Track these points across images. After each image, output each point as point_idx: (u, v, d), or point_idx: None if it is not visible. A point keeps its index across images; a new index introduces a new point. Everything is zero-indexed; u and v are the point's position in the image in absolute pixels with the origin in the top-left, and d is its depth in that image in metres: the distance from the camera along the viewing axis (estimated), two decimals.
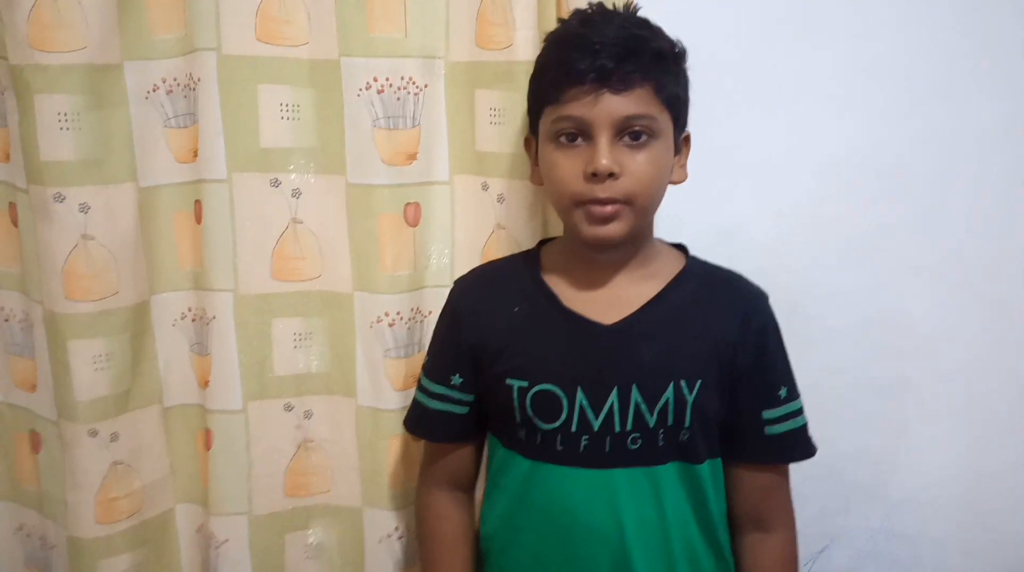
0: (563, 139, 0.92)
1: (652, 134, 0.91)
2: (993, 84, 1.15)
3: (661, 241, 1.03)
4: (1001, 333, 1.20)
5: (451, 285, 1.17)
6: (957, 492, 1.24)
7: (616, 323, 0.95)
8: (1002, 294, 1.19)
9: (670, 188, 1.00)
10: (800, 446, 0.98)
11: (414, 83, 1.13)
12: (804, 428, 0.99)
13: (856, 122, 1.17)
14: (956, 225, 1.19)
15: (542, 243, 1.07)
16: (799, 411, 0.98)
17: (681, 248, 1.03)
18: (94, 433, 1.15)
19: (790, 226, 1.20)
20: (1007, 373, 1.21)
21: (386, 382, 1.19)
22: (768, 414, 0.96)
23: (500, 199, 1.15)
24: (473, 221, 1.18)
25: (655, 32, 0.95)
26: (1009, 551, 1.24)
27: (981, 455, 1.23)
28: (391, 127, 1.13)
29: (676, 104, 0.95)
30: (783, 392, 0.97)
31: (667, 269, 0.99)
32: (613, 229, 0.92)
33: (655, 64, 0.92)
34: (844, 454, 1.20)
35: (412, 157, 1.14)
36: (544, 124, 0.95)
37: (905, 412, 1.23)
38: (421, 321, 1.19)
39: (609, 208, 0.90)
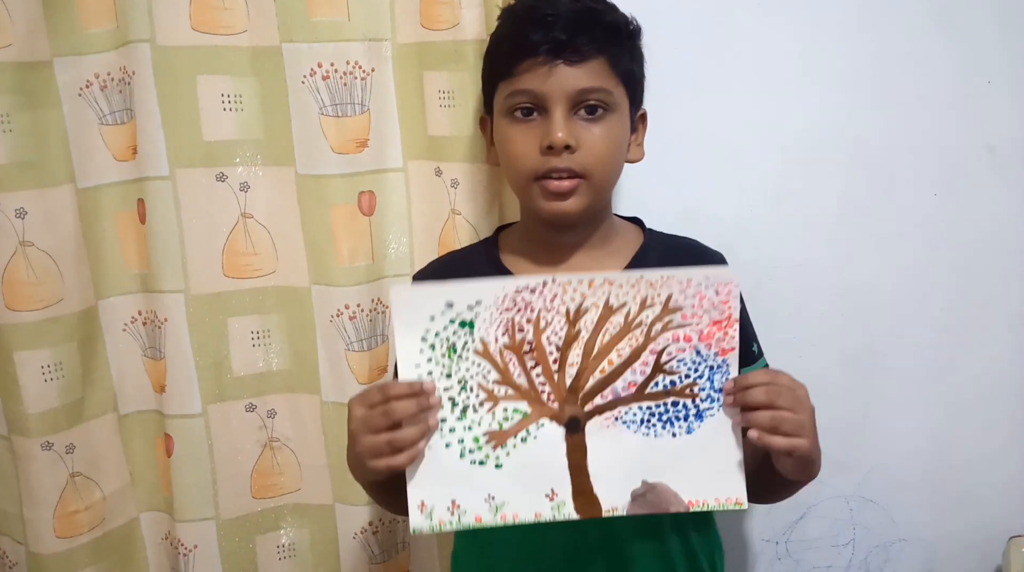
0: (518, 114, 0.90)
1: (607, 108, 0.90)
2: (953, 52, 1.14)
3: (618, 217, 1.02)
4: (968, 299, 1.20)
5: (411, 274, 1.15)
6: (927, 457, 1.24)
7: None
8: (968, 261, 1.19)
9: (634, 168, 0.99)
10: None
11: (360, 68, 1.09)
12: None
13: (817, 94, 1.16)
14: (920, 193, 1.18)
15: (500, 230, 1.05)
16: (768, 366, 0.99)
17: (637, 222, 1.02)
18: (48, 446, 1.11)
19: (754, 201, 1.19)
20: (974, 339, 1.21)
21: (350, 376, 1.16)
22: (746, 371, 0.95)
23: (454, 184, 1.12)
24: (428, 207, 1.15)
25: (609, 6, 0.94)
26: (981, 512, 1.25)
27: (950, 422, 1.23)
28: (339, 114, 1.09)
29: (631, 80, 0.93)
30: (755, 348, 0.98)
31: (628, 245, 0.98)
32: (571, 204, 0.90)
33: (609, 37, 0.90)
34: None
35: (363, 144, 1.11)
36: (498, 100, 0.93)
37: (873, 382, 1.23)
38: (383, 312, 1.17)
39: (566, 183, 0.89)
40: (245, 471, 1.19)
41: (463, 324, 0.81)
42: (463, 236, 1.13)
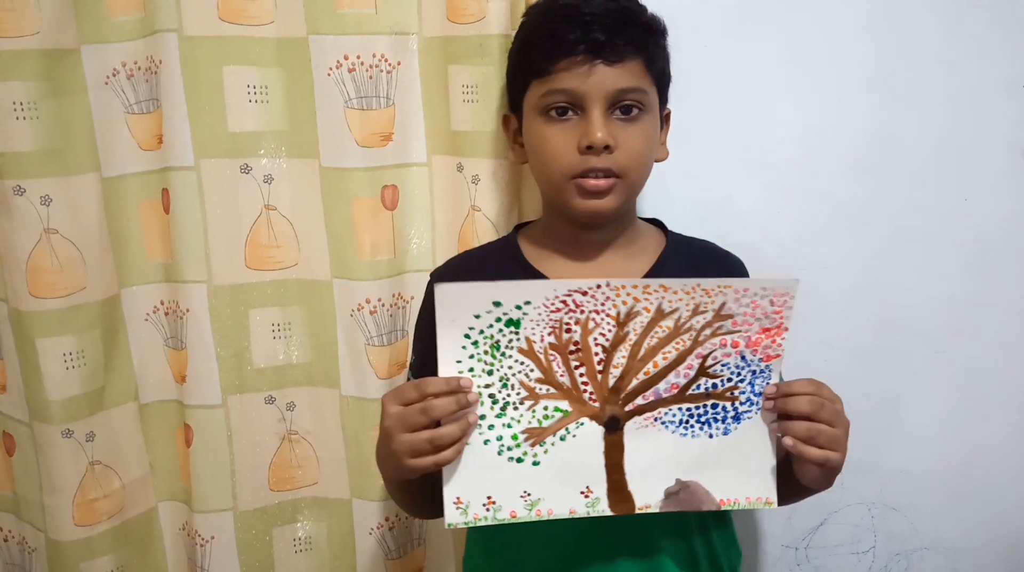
0: (553, 113, 0.90)
1: (643, 108, 0.90)
2: (986, 52, 1.12)
3: (639, 218, 1.02)
4: (995, 303, 1.18)
5: (432, 269, 1.14)
6: (952, 463, 1.23)
7: None
8: (991, 259, 1.17)
9: (659, 166, 0.98)
10: None
11: (387, 61, 1.08)
12: None
13: (845, 93, 1.14)
14: (948, 195, 1.16)
15: (517, 228, 1.04)
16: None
17: (658, 224, 1.02)
18: (69, 433, 1.12)
19: (778, 198, 1.17)
20: (1000, 341, 1.19)
21: (370, 370, 1.16)
22: None
23: (475, 180, 1.12)
24: (450, 203, 1.14)
25: (641, 6, 0.93)
26: (1005, 521, 1.23)
27: (975, 425, 1.21)
28: (364, 107, 1.09)
29: (663, 79, 0.94)
30: None
31: (652, 245, 0.98)
32: (607, 202, 0.90)
33: (646, 37, 0.90)
34: None
35: (387, 138, 1.11)
36: (531, 99, 0.92)
37: (898, 384, 1.21)
38: (404, 306, 1.16)
39: (604, 182, 0.89)
40: (263, 463, 1.19)
41: (509, 323, 0.80)
42: (482, 233, 1.13)
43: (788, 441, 0.80)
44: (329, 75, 1.07)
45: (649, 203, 1.10)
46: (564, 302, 0.79)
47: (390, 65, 1.08)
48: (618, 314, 0.80)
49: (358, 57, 1.07)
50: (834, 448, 0.81)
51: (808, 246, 1.18)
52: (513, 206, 1.13)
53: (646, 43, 0.90)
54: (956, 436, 1.22)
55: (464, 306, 0.79)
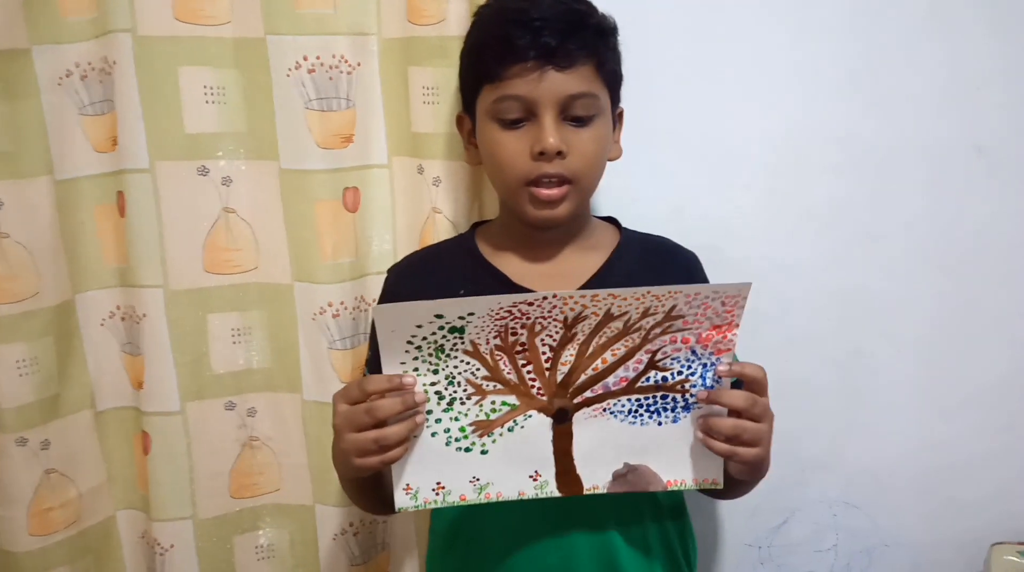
0: (506, 119, 0.89)
1: (595, 112, 0.90)
2: (944, 52, 1.13)
3: (593, 215, 1.02)
4: (956, 302, 1.19)
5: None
6: (913, 463, 1.24)
7: None
8: (956, 263, 1.18)
9: (622, 166, 0.99)
10: None
11: (346, 62, 1.07)
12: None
13: (806, 93, 1.15)
14: (910, 194, 1.17)
15: (475, 226, 1.04)
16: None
17: (612, 221, 1.03)
18: (23, 442, 1.09)
19: (742, 200, 1.18)
20: (963, 342, 1.20)
21: (332, 375, 1.15)
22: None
23: (436, 182, 1.11)
24: (410, 205, 1.14)
25: (591, 7, 0.93)
26: (966, 517, 1.24)
27: (937, 426, 1.22)
28: (324, 109, 1.08)
29: (614, 81, 0.94)
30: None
31: (605, 241, 0.99)
32: (560, 211, 0.91)
33: (597, 40, 0.90)
34: (800, 427, 1.19)
35: (348, 139, 1.10)
36: (483, 103, 0.91)
37: (860, 384, 1.22)
38: (366, 310, 1.15)
39: (556, 191, 0.89)
40: (224, 470, 1.17)
41: (452, 330, 0.80)
42: (443, 234, 1.12)
43: (700, 436, 0.83)
44: (288, 76, 1.06)
45: (614, 203, 1.10)
46: (509, 311, 0.79)
47: (350, 66, 1.07)
48: (565, 319, 0.79)
49: (317, 58, 1.06)
50: (756, 444, 0.82)
51: (772, 247, 1.18)
52: (473, 208, 1.13)
53: (597, 46, 0.90)
54: (918, 435, 1.23)
55: (405, 321, 0.79)
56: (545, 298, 0.78)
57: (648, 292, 0.78)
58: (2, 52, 1.02)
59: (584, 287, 0.94)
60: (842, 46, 1.14)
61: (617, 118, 0.97)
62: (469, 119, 0.96)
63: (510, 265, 0.96)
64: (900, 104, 1.15)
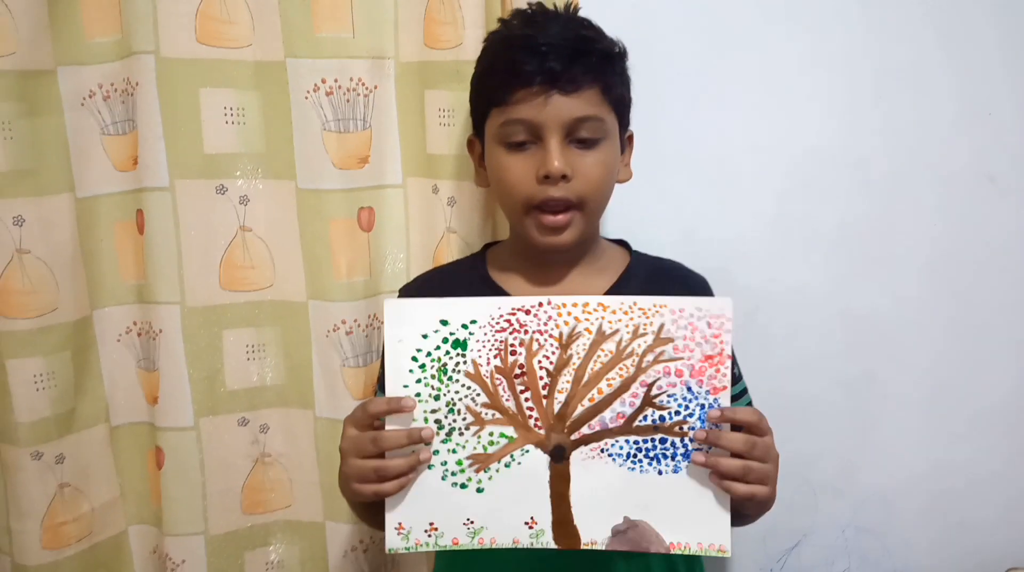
0: (512, 142, 0.91)
1: (601, 136, 0.91)
2: (956, 77, 1.15)
3: (604, 239, 1.03)
4: (966, 326, 1.20)
5: None
6: (924, 486, 1.23)
7: None
8: (966, 288, 1.19)
9: (631, 189, 0.99)
10: None
11: (363, 84, 1.09)
12: (751, 404, 1.00)
13: (818, 117, 1.16)
14: (919, 219, 1.18)
15: (487, 247, 1.05)
16: (747, 389, 1.00)
17: (623, 244, 1.03)
18: (38, 456, 1.10)
19: (752, 223, 1.19)
20: (972, 367, 1.21)
21: (345, 392, 1.15)
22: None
23: (450, 202, 1.13)
24: (425, 225, 1.15)
25: (599, 32, 0.94)
26: (977, 543, 1.24)
27: (948, 449, 1.22)
28: (341, 130, 1.09)
29: (621, 105, 0.94)
30: (737, 369, 0.98)
31: (615, 264, 0.99)
32: (566, 237, 0.91)
33: (602, 65, 0.91)
34: (811, 452, 1.19)
35: (364, 160, 1.11)
36: (491, 127, 0.93)
37: (871, 408, 1.22)
38: (379, 328, 1.16)
39: (561, 217, 0.90)
40: (236, 486, 1.18)
41: (456, 344, 0.81)
42: (457, 254, 1.13)
43: (715, 478, 0.81)
44: (306, 98, 1.08)
45: (623, 226, 1.11)
46: (508, 321, 0.81)
47: (367, 89, 1.09)
48: (560, 335, 0.81)
49: (335, 80, 1.08)
50: (763, 482, 0.82)
51: (782, 270, 1.19)
52: (487, 228, 1.14)
53: (603, 71, 0.90)
54: (929, 458, 1.23)
55: (412, 323, 0.81)
56: (540, 305, 0.80)
57: (635, 304, 0.80)
58: (28, 72, 1.04)
59: None
60: (852, 71, 1.15)
61: (627, 142, 0.98)
62: (479, 142, 0.97)
63: (517, 286, 0.97)
64: (910, 129, 1.16)
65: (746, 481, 0.81)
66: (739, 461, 0.81)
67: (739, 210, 1.19)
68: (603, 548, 0.83)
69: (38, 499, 1.11)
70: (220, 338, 1.15)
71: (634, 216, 1.12)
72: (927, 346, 1.20)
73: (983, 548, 1.23)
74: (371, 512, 0.94)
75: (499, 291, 0.97)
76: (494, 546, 0.84)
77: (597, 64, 0.90)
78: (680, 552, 0.83)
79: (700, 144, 1.16)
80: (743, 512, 0.86)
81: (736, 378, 0.98)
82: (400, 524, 0.84)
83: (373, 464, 0.82)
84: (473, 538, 0.84)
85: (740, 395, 0.99)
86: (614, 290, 0.96)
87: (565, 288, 0.96)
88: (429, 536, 0.84)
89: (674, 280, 1.00)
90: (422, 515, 0.84)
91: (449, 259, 1.13)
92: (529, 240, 0.93)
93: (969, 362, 1.20)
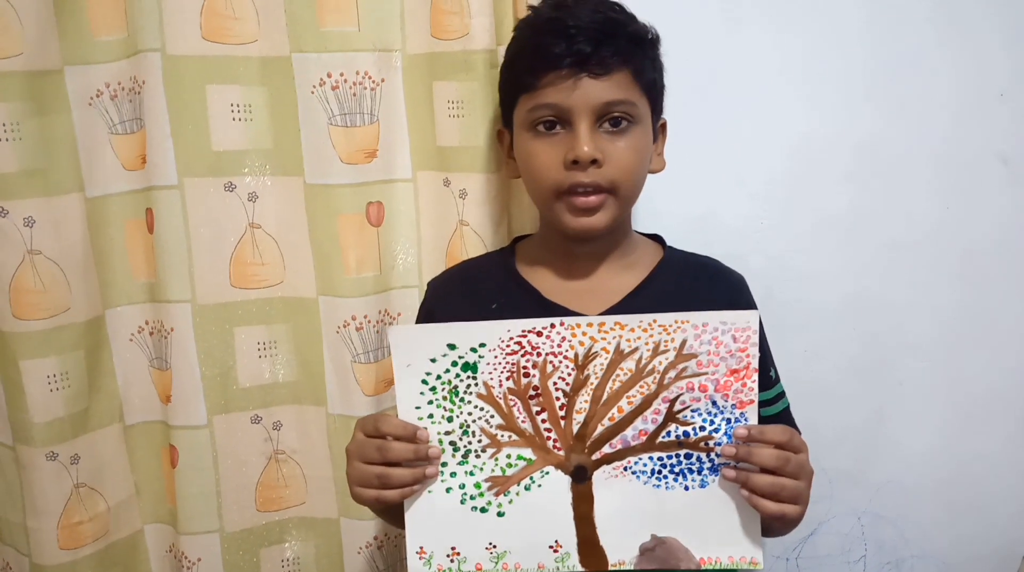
0: (541, 127, 0.89)
1: (632, 120, 0.89)
2: (968, 58, 1.14)
3: (637, 232, 1.01)
4: (980, 311, 1.19)
5: (419, 285, 1.15)
6: (941, 473, 1.23)
7: (599, 315, 0.91)
8: (978, 270, 1.18)
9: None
10: (791, 426, 0.95)
11: (370, 78, 1.09)
12: (789, 408, 0.99)
13: (826, 101, 1.15)
14: (932, 203, 1.17)
15: (517, 240, 1.04)
16: (784, 393, 0.98)
17: (657, 239, 1.01)
18: (53, 456, 1.10)
19: (763, 209, 1.18)
20: (987, 350, 1.20)
21: (356, 388, 1.15)
22: (762, 396, 0.92)
23: (462, 195, 1.12)
24: (437, 219, 1.14)
25: (629, 16, 0.93)
26: (995, 531, 1.23)
27: (963, 435, 1.22)
28: (348, 124, 1.09)
29: (653, 90, 0.92)
30: (772, 373, 0.96)
31: (646, 259, 0.97)
32: (597, 219, 0.89)
33: (633, 48, 0.89)
34: (825, 439, 1.18)
35: (372, 154, 1.11)
36: (519, 113, 0.92)
37: (885, 394, 1.22)
38: (390, 323, 1.16)
39: (593, 198, 0.88)
40: (250, 483, 1.18)
41: (466, 367, 0.80)
42: (471, 247, 1.13)
43: (745, 494, 0.79)
44: (312, 92, 1.08)
45: (636, 217, 1.10)
46: (519, 344, 0.78)
47: (374, 82, 1.09)
48: (576, 356, 0.78)
49: (341, 74, 1.07)
50: (795, 501, 0.79)
51: (795, 258, 1.19)
52: (502, 220, 1.14)
53: (633, 54, 0.89)
54: (945, 446, 1.23)
55: (419, 349, 0.79)
56: (553, 326, 0.77)
57: (655, 321, 0.76)
58: (36, 72, 1.04)
59: (618, 306, 0.92)
60: (862, 53, 1.14)
61: (660, 130, 0.96)
62: (508, 133, 0.96)
63: (544, 281, 0.96)
64: (923, 114, 1.15)
65: (778, 499, 0.78)
66: (770, 478, 0.78)
67: (751, 199, 1.18)
68: (632, 568, 0.81)
69: (54, 499, 1.11)
70: (232, 335, 1.14)
71: (645, 204, 1.11)
72: (941, 331, 1.20)
73: (999, 533, 1.23)
74: (389, 510, 0.93)
75: (526, 287, 0.96)
76: (519, 571, 0.82)
77: (627, 47, 0.88)
78: (711, 567, 0.81)
79: (711, 130, 1.16)
80: (771, 529, 0.84)
81: (772, 381, 0.96)
82: (421, 548, 0.83)
83: (376, 470, 0.81)
84: (497, 563, 0.82)
85: (777, 398, 0.97)
86: (643, 286, 0.94)
87: (592, 282, 0.95)
88: (452, 561, 0.82)
89: (709, 277, 0.98)
90: (443, 539, 0.82)
91: (463, 252, 1.13)
92: (561, 226, 0.91)
93: (983, 346, 1.20)
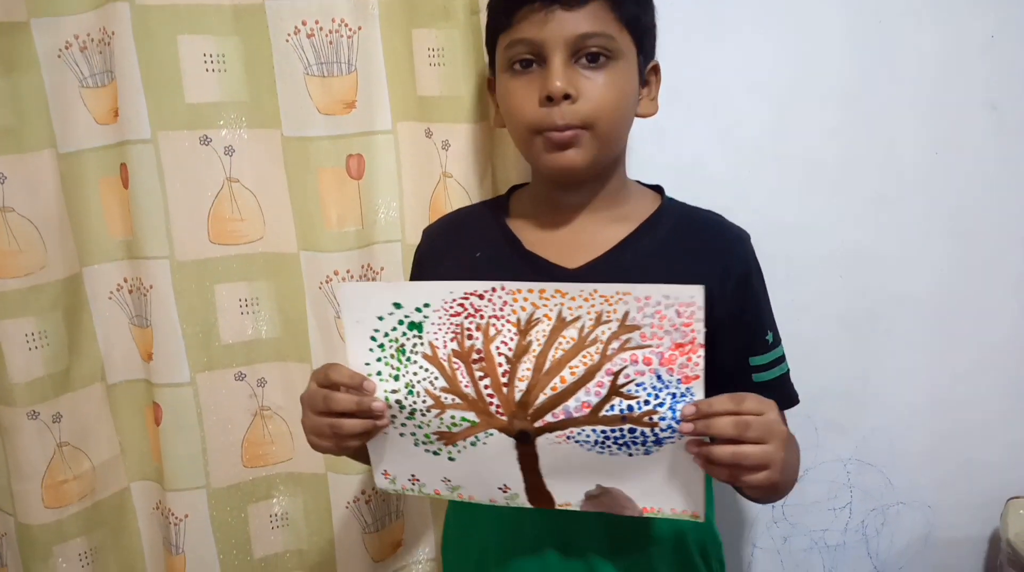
0: (517, 66, 0.87)
1: (610, 55, 0.86)
2: (956, 6, 1.11)
3: (637, 182, 0.98)
4: (968, 261, 1.18)
5: (401, 239, 1.14)
6: (925, 420, 1.23)
7: (580, 267, 0.89)
8: (969, 222, 1.17)
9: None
10: (786, 393, 0.94)
11: (347, 26, 1.06)
12: (788, 374, 0.95)
13: (815, 50, 1.13)
14: (920, 153, 1.16)
15: (514, 190, 1.02)
16: (783, 357, 0.95)
17: (659, 190, 0.97)
18: (34, 415, 1.10)
19: (749, 161, 1.16)
20: (975, 302, 1.19)
21: (340, 344, 1.14)
22: (756, 360, 0.91)
23: (445, 146, 1.10)
24: (419, 170, 1.12)
25: None
26: (980, 477, 1.24)
27: (951, 383, 1.22)
28: (325, 74, 1.06)
29: (637, 26, 0.88)
30: (769, 337, 0.93)
31: (640, 211, 0.93)
32: (573, 156, 0.86)
33: None
34: (813, 389, 1.17)
35: (350, 105, 1.08)
36: (499, 54, 0.90)
37: (873, 344, 1.21)
38: (373, 278, 1.14)
39: (568, 133, 0.85)
40: (236, 440, 1.18)
41: (412, 326, 0.80)
42: (455, 199, 1.11)
43: (702, 463, 0.75)
44: (287, 41, 1.05)
45: None
46: (462, 305, 0.78)
47: (350, 30, 1.06)
48: (519, 321, 0.77)
49: (316, 22, 1.04)
50: (765, 466, 0.74)
51: (780, 208, 1.17)
52: (487, 171, 1.12)
53: None
54: (932, 395, 1.23)
55: (367, 307, 0.80)
56: (494, 290, 0.77)
57: (595, 291, 0.74)
58: (1, 25, 1.01)
59: (601, 259, 0.90)
60: (849, 3, 1.12)
61: (651, 72, 0.93)
62: (495, 79, 0.94)
63: (527, 231, 0.94)
64: (911, 61, 1.13)
65: (743, 468, 0.74)
66: (731, 447, 0.73)
67: (737, 147, 1.16)
68: (578, 509, 0.82)
69: (37, 459, 1.11)
70: (212, 292, 1.13)
71: (630, 155, 1.09)
72: (928, 282, 1.19)
73: (985, 480, 1.24)
74: (355, 453, 0.93)
75: (509, 237, 0.94)
76: (473, 501, 0.86)
77: None
78: (653, 516, 0.80)
79: (697, 80, 1.13)
80: (752, 497, 0.82)
81: (768, 345, 0.92)
82: (386, 471, 0.87)
83: (327, 421, 0.81)
84: (453, 492, 0.86)
85: (773, 364, 0.93)
86: (630, 239, 0.90)
87: (577, 233, 0.92)
88: (413, 484, 0.86)
89: (706, 231, 0.93)
90: (404, 468, 0.86)
91: (447, 204, 1.11)
92: (539, 166, 0.90)
93: (971, 297, 1.19)
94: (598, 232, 0.92)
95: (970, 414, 1.22)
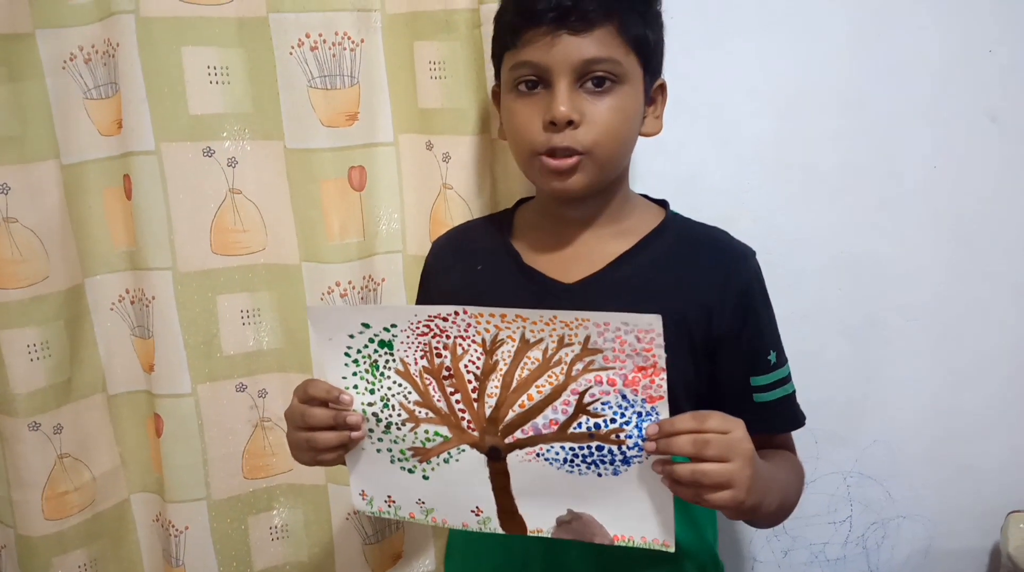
0: (522, 87, 0.87)
1: (616, 79, 0.85)
2: (955, 13, 1.12)
3: (642, 196, 0.97)
4: (968, 270, 1.18)
5: (403, 251, 1.14)
6: (926, 433, 1.23)
7: (576, 282, 0.90)
8: (969, 231, 1.17)
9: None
10: (790, 415, 0.93)
11: (349, 38, 1.07)
12: (793, 396, 0.94)
13: (816, 61, 1.13)
14: (920, 163, 1.16)
15: (521, 203, 1.02)
16: (787, 378, 0.93)
17: (664, 205, 0.97)
18: (35, 426, 1.10)
19: (751, 170, 1.17)
20: (975, 311, 1.19)
21: None
22: (757, 380, 0.90)
23: (445, 158, 1.10)
24: (420, 182, 1.13)
25: None
26: (981, 489, 1.24)
27: (952, 394, 1.22)
28: (328, 87, 1.07)
29: (644, 46, 0.87)
30: (772, 357, 0.91)
31: (642, 226, 0.92)
32: (574, 182, 0.86)
33: (618, 2, 0.85)
34: (813, 400, 1.17)
35: (353, 118, 1.09)
36: (504, 71, 0.90)
37: (874, 354, 1.21)
38: (375, 289, 1.15)
39: (570, 160, 0.85)
40: (236, 451, 1.18)
41: (382, 344, 0.81)
42: (455, 211, 1.11)
43: (668, 483, 0.75)
44: (291, 54, 1.05)
45: None
46: (428, 326, 0.79)
47: (353, 43, 1.07)
48: (484, 341, 0.78)
49: (320, 35, 1.05)
50: (728, 485, 0.73)
51: (781, 218, 1.18)
52: (486, 182, 1.12)
53: (618, 7, 0.84)
54: (932, 406, 1.22)
55: (337, 326, 0.81)
56: (457, 314, 0.78)
57: (555, 317, 0.75)
58: (6, 36, 1.02)
59: (599, 274, 0.89)
60: (849, 10, 1.12)
61: (657, 91, 0.92)
62: (500, 92, 0.93)
63: (529, 245, 0.94)
64: (911, 72, 1.14)
65: (702, 486, 0.73)
66: (690, 466, 0.73)
67: (736, 159, 1.17)
68: (550, 536, 0.82)
69: (38, 470, 1.11)
70: (214, 303, 1.13)
71: (632, 167, 1.10)
72: (929, 292, 1.19)
73: (986, 493, 1.23)
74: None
75: (510, 251, 0.94)
76: (446, 526, 0.86)
77: (610, 1, 0.84)
78: (624, 544, 0.80)
79: (697, 90, 1.14)
80: (749, 521, 0.81)
81: (770, 366, 0.91)
82: (363, 491, 0.87)
83: (304, 436, 0.83)
84: (427, 516, 0.86)
85: (776, 385, 0.92)
86: (629, 254, 0.90)
87: (576, 248, 0.92)
88: (389, 506, 0.87)
89: (707, 247, 0.93)
90: (381, 488, 0.86)
91: (447, 216, 1.11)
92: (539, 186, 0.91)
93: (972, 305, 1.19)
94: (598, 247, 0.91)
95: (971, 423, 1.22)
